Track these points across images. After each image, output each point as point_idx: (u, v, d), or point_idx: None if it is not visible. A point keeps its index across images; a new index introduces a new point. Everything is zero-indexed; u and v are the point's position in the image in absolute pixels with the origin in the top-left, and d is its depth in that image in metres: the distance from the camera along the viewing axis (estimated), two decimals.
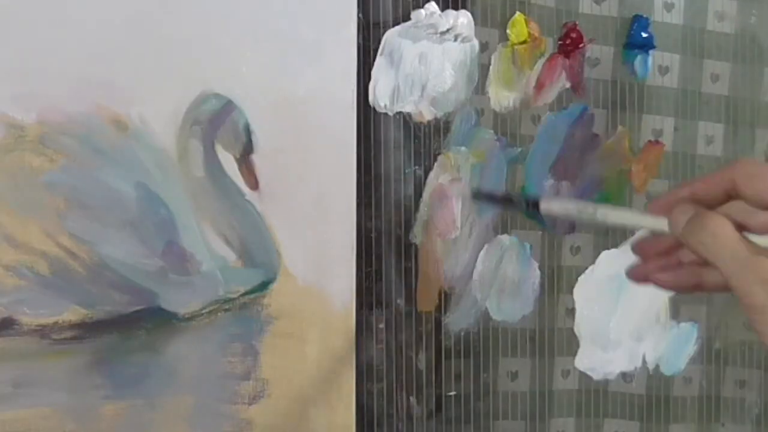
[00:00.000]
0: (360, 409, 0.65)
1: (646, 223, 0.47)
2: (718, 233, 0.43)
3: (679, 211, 0.45)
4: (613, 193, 0.78)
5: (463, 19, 0.68)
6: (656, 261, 0.47)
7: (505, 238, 0.72)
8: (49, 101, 0.53)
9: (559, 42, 0.74)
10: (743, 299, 0.42)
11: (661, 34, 0.78)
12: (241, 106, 0.59)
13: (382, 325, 0.68)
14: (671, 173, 0.81)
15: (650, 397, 0.81)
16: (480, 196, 0.59)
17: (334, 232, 0.63)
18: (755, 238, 0.43)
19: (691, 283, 0.46)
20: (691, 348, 0.82)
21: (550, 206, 0.53)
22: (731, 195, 0.44)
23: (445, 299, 0.70)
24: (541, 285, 0.74)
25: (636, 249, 0.49)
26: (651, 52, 0.78)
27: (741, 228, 0.44)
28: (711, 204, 0.45)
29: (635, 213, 0.48)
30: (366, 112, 0.66)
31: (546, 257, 0.75)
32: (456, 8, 0.68)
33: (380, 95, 0.67)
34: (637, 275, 0.48)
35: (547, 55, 0.73)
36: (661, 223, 0.46)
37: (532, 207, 0.52)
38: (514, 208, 0.55)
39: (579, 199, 0.68)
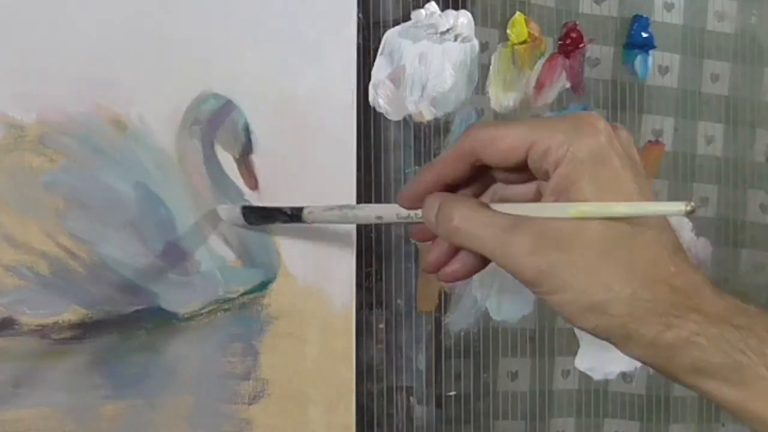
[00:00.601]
0: (360, 409, 0.65)
1: (403, 216, 0.46)
2: (466, 218, 0.41)
3: (428, 204, 0.43)
4: None
5: (463, 19, 0.68)
6: (434, 251, 0.45)
7: None
8: (49, 101, 0.53)
9: (559, 42, 0.74)
10: (520, 277, 0.40)
11: (661, 34, 0.79)
12: (241, 106, 0.59)
13: (382, 325, 0.68)
14: (671, 173, 0.81)
15: (650, 397, 0.81)
16: (251, 213, 0.57)
17: (334, 231, 0.62)
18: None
19: (471, 268, 0.44)
20: None
21: (313, 214, 0.53)
22: (479, 166, 0.42)
23: (445, 299, 0.71)
24: None
25: (414, 237, 0.47)
26: (651, 52, 0.78)
27: (501, 200, 0.42)
28: (462, 181, 0.43)
29: (392, 207, 0.47)
30: (366, 111, 0.66)
31: None
32: (456, 8, 0.68)
33: (380, 95, 0.67)
34: (429, 265, 0.45)
35: (547, 55, 0.74)
36: (418, 214, 0.45)
37: (295, 218, 0.52)
38: (283, 219, 0.55)
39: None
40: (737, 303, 0.39)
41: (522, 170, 0.42)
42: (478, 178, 0.44)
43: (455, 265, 0.44)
